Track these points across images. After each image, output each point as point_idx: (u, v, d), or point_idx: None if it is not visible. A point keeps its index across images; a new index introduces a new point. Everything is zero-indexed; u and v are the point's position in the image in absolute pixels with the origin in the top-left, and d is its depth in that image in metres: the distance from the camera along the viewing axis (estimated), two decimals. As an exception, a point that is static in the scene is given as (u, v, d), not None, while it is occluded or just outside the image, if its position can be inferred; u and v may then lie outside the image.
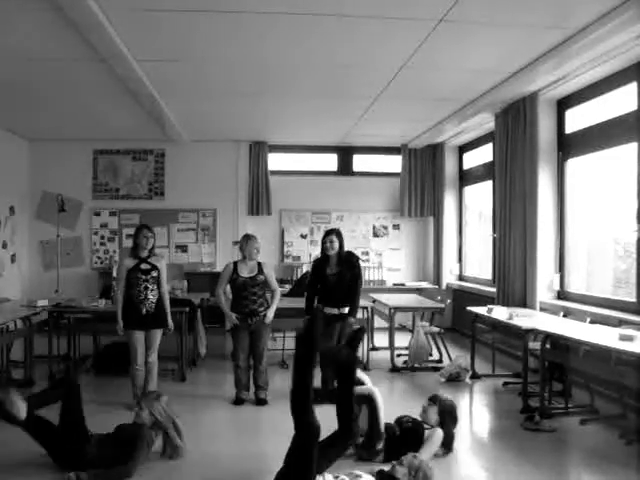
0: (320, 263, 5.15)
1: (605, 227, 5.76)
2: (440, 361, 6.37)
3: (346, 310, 5.04)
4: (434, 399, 3.89)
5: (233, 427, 4.53)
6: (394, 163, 9.18)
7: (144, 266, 4.71)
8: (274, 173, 8.86)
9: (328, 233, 5.13)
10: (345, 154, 9.19)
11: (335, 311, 5.03)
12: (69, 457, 3.41)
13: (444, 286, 8.75)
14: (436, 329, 6.46)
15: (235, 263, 5.01)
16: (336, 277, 5.03)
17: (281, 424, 3.84)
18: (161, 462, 3.59)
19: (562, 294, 5.99)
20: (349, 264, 5.05)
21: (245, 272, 4.93)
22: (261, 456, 3.75)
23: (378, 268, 8.99)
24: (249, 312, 4.89)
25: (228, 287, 5.03)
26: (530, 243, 6.04)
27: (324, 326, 5.05)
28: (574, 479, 3.65)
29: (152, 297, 4.72)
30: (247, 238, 5.04)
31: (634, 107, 4.88)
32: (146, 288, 4.69)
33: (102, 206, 8.72)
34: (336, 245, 5.05)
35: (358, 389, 3.62)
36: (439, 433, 3.69)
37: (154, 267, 4.74)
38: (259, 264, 5.00)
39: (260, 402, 4.89)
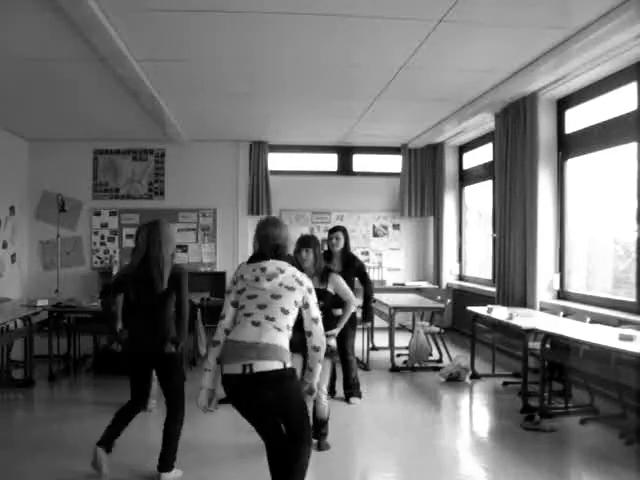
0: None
1: (605, 227, 5.75)
2: (440, 361, 6.37)
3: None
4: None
5: (233, 426, 4.53)
6: (394, 163, 9.18)
7: None
8: (274, 173, 8.86)
9: (334, 230, 5.15)
10: (345, 154, 9.19)
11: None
12: None
13: (444, 286, 8.74)
14: (436, 329, 6.46)
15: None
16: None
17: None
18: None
19: (562, 294, 5.99)
20: (351, 267, 5.05)
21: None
22: (261, 455, 3.74)
23: (378, 268, 8.99)
24: None
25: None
26: (530, 243, 6.04)
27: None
28: (574, 479, 3.65)
29: None
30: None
31: (634, 107, 4.88)
32: None
33: (102, 206, 8.71)
34: (342, 242, 5.05)
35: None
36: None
37: None
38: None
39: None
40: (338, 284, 4.00)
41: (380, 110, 6.75)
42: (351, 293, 4.11)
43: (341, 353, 5.07)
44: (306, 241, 4.01)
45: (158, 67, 5.19)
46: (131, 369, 3.54)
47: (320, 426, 3.91)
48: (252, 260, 2.74)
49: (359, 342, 5.67)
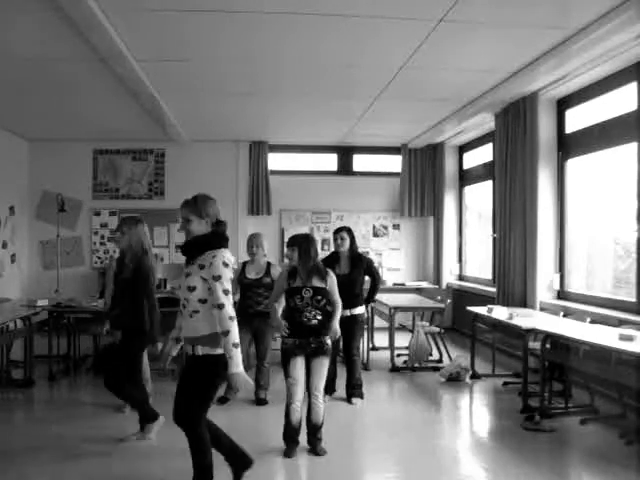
0: (329, 262, 4.90)
1: (605, 227, 5.75)
2: (440, 361, 6.37)
3: (357, 311, 5.00)
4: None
5: (233, 427, 4.52)
6: (394, 163, 9.18)
7: None
8: (274, 173, 8.87)
9: (339, 230, 5.18)
10: (345, 154, 9.19)
11: (347, 313, 4.85)
12: None
13: (444, 286, 8.75)
14: (436, 329, 6.46)
15: (244, 264, 5.06)
16: (346, 278, 4.88)
17: (280, 423, 3.84)
18: (160, 462, 3.59)
19: (562, 294, 5.99)
20: (360, 267, 5.06)
21: (252, 274, 4.96)
22: (260, 455, 3.74)
23: (378, 268, 8.97)
24: (253, 313, 4.87)
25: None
26: (530, 243, 6.04)
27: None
28: (574, 479, 3.65)
29: None
30: (249, 236, 5.13)
31: (634, 107, 4.88)
32: None
33: (102, 206, 8.72)
34: (347, 243, 5.07)
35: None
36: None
37: None
38: (268, 265, 5.00)
39: (260, 402, 4.88)
40: (333, 284, 3.91)
41: (380, 110, 6.75)
42: (338, 295, 3.98)
43: (347, 353, 5.08)
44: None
45: (158, 67, 5.19)
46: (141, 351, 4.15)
47: (315, 430, 3.76)
48: (226, 244, 2.97)
49: (359, 342, 5.66)
